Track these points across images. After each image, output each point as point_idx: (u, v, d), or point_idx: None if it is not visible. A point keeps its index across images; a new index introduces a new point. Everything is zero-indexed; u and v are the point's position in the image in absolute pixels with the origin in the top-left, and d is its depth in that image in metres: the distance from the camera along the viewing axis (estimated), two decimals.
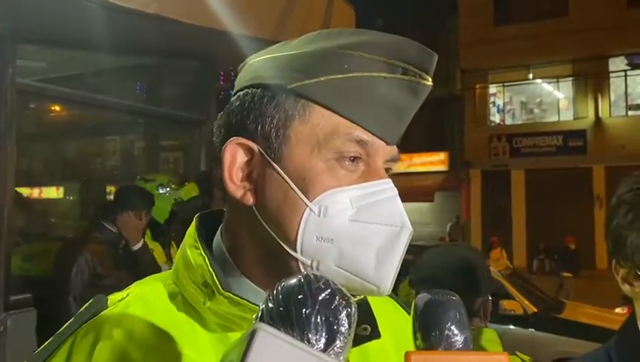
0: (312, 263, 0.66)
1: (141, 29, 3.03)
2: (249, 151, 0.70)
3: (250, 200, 0.69)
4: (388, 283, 0.66)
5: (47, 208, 5.72)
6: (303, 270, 0.66)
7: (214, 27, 2.96)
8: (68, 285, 2.88)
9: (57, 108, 5.07)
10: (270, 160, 0.68)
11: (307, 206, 0.66)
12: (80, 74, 4.23)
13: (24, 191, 5.31)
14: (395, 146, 0.72)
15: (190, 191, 3.84)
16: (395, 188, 0.69)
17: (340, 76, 0.67)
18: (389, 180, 0.69)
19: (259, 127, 0.69)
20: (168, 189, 3.78)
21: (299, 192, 0.66)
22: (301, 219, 0.66)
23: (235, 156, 0.70)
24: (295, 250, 0.66)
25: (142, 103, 4.67)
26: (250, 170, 0.70)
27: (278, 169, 0.67)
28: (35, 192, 5.77)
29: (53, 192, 5.90)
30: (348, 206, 0.66)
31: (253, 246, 0.71)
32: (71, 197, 5.71)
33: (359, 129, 0.67)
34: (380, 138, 0.68)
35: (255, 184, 0.69)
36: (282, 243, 0.67)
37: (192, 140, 4.68)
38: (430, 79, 0.70)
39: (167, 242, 3.75)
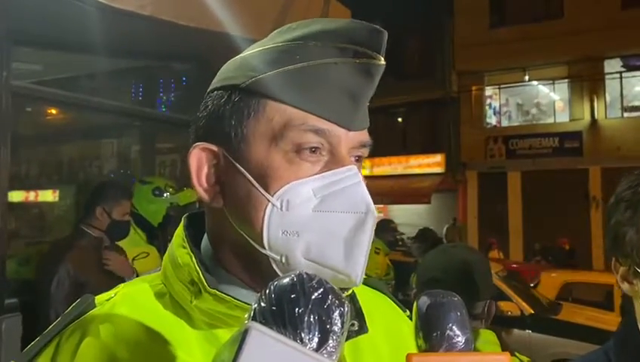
0: (281, 258, 0.66)
1: (137, 31, 3.03)
2: (214, 155, 0.71)
3: (219, 202, 0.71)
4: (358, 272, 0.66)
5: (43, 211, 5.71)
6: (274, 266, 0.67)
7: (210, 29, 2.96)
8: (49, 296, 2.79)
9: (53, 110, 5.06)
10: (232, 160, 0.69)
11: (269, 201, 0.66)
12: (75, 76, 4.22)
13: (20, 194, 5.29)
14: (363, 132, 0.71)
15: (188, 197, 3.83)
16: (360, 175, 0.68)
17: (291, 67, 0.67)
18: (353, 167, 0.68)
19: (219, 129, 0.70)
20: (167, 194, 3.76)
21: (260, 188, 0.67)
22: (264, 214, 0.66)
23: (201, 161, 0.71)
24: (263, 247, 0.66)
25: (138, 106, 4.66)
26: (218, 173, 0.71)
27: (240, 168, 0.68)
28: (31, 195, 5.75)
29: (49, 195, 5.87)
30: (311, 197, 0.66)
31: (231, 245, 0.72)
32: (67, 201, 5.69)
33: (313, 118, 0.67)
34: (338, 124, 0.68)
35: (222, 186, 0.71)
36: (251, 241, 0.68)
37: (189, 142, 4.66)
38: (382, 59, 0.68)
39: (162, 246, 3.73)
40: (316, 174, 0.67)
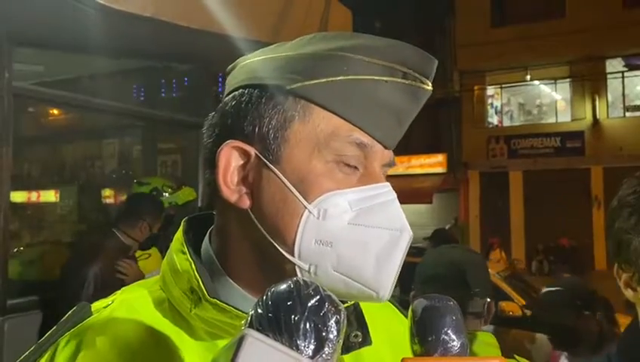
0: (309, 268, 0.65)
1: (138, 32, 3.03)
2: (245, 154, 0.68)
3: (246, 203, 0.68)
4: (387, 288, 0.65)
5: (45, 212, 5.72)
6: (300, 275, 0.65)
7: (211, 30, 2.96)
8: (78, 296, 2.80)
9: (55, 111, 5.07)
10: (267, 162, 0.67)
11: (306, 208, 0.64)
12: (77, 77, 4.22)
13: (22, 194, 5.31)
14: (391, 151, 0.71)
15: (186, 195, 3.83)
16: (394, 192, 0.68)
17: (341, 78, 0.66)
18: (388, 184, 0.68)
19: (256, 129, 0.67)
20: (166, 194, 3.77)
21: (297, 194, 0.65)
22: (300, 221, 0.64)
23: (229, 159, 0.68)
24: (292, 254, 0.65)
25: (139, 106, 4.67)
26: (245, 173, 0.69)
27: (276, 171, 0.66)
28: (33, 196, 5.77)
29: (51, 196, 5.89)
30: (347, 209, 0.65)
31: (247, 250, 0.70)
32: (69, 201, 5.70)
33: (359, 131, 0.66)
34: (379, 142, 0.68)
35: (251, 187, 0.68)
36: (279, 247, 0.66)
37: (190, 143, 4.68)
38: (430, 84, 0.69)
39: (164, 247, 3.73)
40: (352, 187, 0.66)
